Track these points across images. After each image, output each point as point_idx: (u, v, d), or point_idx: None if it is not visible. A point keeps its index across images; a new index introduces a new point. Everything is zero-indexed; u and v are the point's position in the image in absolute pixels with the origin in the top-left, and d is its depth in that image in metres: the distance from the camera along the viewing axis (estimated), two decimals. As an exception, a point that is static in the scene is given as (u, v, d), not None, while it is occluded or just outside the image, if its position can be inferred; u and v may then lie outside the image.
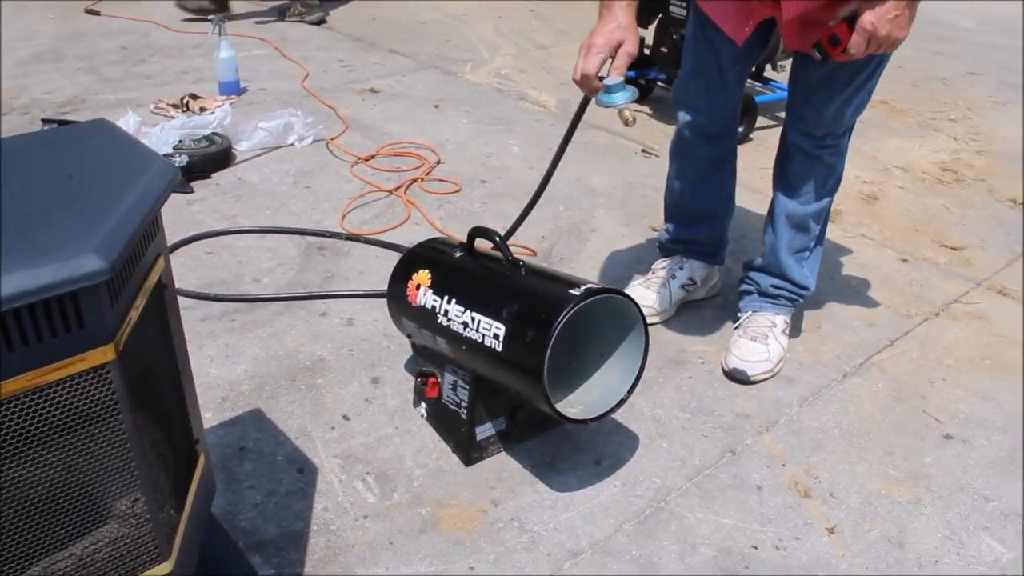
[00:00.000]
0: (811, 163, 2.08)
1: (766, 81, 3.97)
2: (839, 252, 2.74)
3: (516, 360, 1.61)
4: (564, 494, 1.74)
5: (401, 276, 1.87)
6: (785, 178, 2.14)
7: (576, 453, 1.85)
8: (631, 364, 1.72)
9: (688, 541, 1.65)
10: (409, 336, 1.93)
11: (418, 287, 1.80)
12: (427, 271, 1.81)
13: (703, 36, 2.06)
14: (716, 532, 1.68)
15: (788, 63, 3.84)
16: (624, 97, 1.74)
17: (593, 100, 1.80)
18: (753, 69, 3.91)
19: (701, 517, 1.71)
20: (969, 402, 2.08)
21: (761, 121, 3.75)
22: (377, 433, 1.88)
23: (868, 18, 1.64)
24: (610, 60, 1.76)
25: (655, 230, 2.75)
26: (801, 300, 2.24)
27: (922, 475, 1.85)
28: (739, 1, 1.91)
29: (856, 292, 2.52)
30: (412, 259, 1.89)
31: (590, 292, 1.59)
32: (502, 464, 1.81)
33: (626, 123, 1.77)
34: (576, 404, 1.70)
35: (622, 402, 1.70)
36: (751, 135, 3.63)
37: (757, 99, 3.62)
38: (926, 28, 5.52)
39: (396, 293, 1.88)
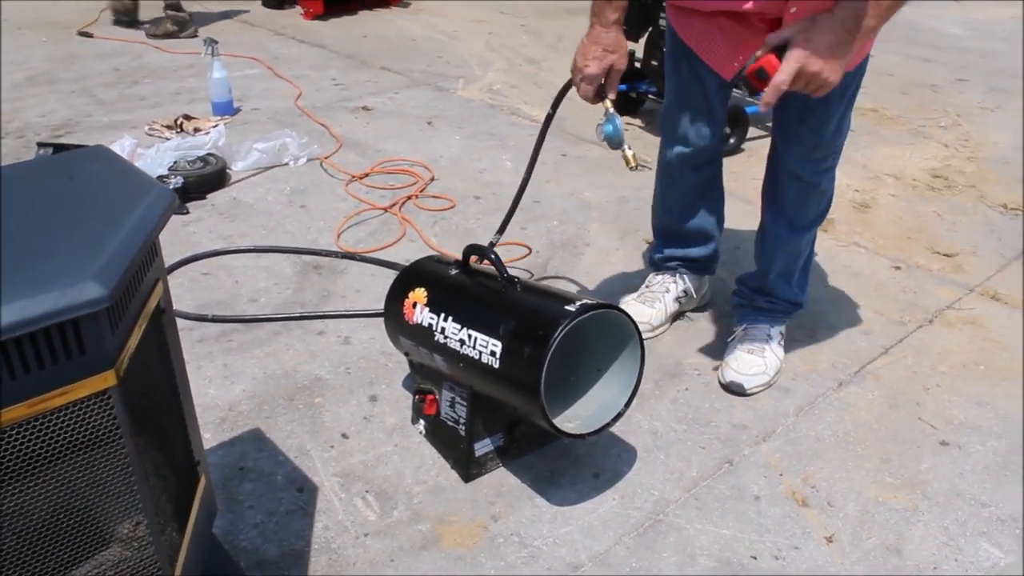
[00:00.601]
0: (808, 191, 2.06)
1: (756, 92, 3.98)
2: (832, 261, 2.76)
3: (513, 377, 1.62)
4: (563, 508, 1.75)
5: (397, 294, 1.88)
6: (779, 207, 2.12)
7: (575, 467, 1.86)
8: (628, 378, 1.74)
9: (687, 552, 1.66)
10: (406, 354, 1.94)
11: (414, 305, 1.81)
12: (423, 289, 1.82)
13: (687, 66, 2.02)
14: (715, 543, 1.69)
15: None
16: (611, 129, 1.83)
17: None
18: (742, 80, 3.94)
19: (700, 528, 1.72)
20: (964, 408, 2.09)
21: (752, 132, 3.77)
22: (376, 451, 1.89)
23: (798, 53, 1.53)
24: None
25: (648, 243, 2.76)
26: (796, 311, 2.25)
27: (919, 482, 1.86)
28: (728, 37, 1.88)
29: (850, 300, 2.53)
30: (408, 277, 1.90)
31: (586, 308, 1.60)
32: (501, 479, 1.82)
33: (628, 163, 1.83)
34: (574, 419, 1.71)
35: (619, 415, 1.72)
36: (742, 146, 3.65)
37: (748, 110, 3.64)
38: (913, 34, 5.57)
39: (393, 311, 1.89)
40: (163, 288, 1.22)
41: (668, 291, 2.34)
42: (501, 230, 2.08)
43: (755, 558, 1.65)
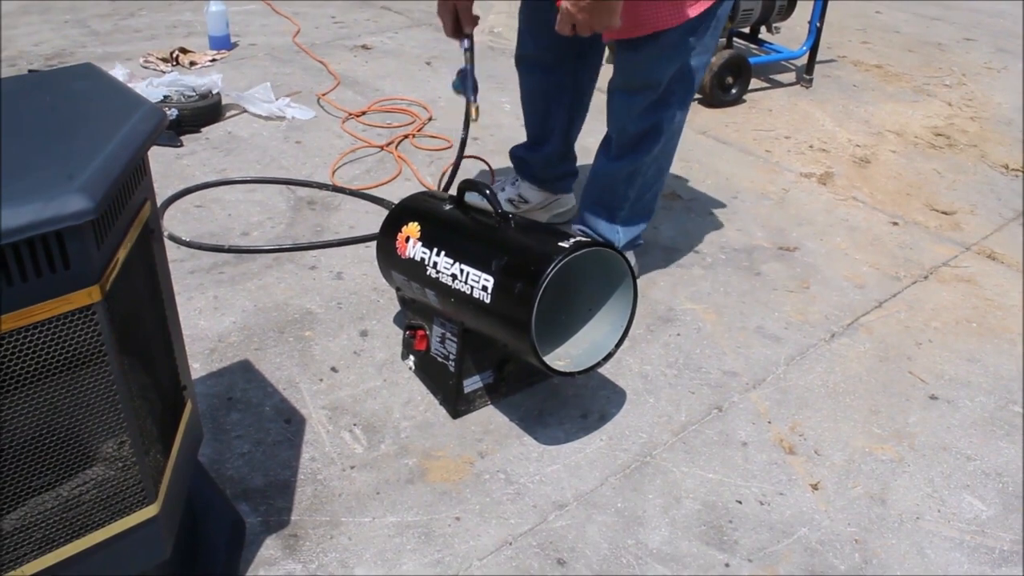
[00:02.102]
0: (623, 119, 2.10)
1: (761, 43, 3.94)
2: (830, 214, 2.74)
3: (504, 313, 1.61)
4: (550, 447, 1.75)
5: (391, 228, 1.86)
6: (608, 128, 2.18)
7: (563, 407, 1.86)
8: (619, 319, 1.73)
9: (673, 495, 1.67)
10: (398, 289, 1.93)
11: (407, 239, 1.80)
12: (417, 223, 1.81)
13: None
14: (701, 486, 1.69)
15: (782, 24, 3.84)
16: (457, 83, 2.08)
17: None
18: (747, 30, 3.90)
19: (686, 472, 1.72)
20: (955, 364, 2.09)
21: (755, 83, 3.73)
22: (365, 385, 1.88)
23: (564, 3, 1.71)
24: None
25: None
26: None
27: (906, 434, 1.86)
28: None
29: (845, 254, 2.52)
30: (402, 211, 1.88)
31: (579, 245, 1.59)
32: (489, 417, 1.82)
33: (470, 116, 2.06)
34: (564, 357, 1.71)
35: (610, 356, 1.71)
36: (744, 96, 3.62)
37: (751, 60, 3.60)
38: (923, -7, 5.50)
39: (385, 245, 1.87)
40: (152, 209, 1.20)
41: (503, 190, 2.50)
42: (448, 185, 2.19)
43: (740, 502, 1.66)
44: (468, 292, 1.65)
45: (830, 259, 2.49)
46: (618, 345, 1.72)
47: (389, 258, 1.86)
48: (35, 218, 0.88)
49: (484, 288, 1.62)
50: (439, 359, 1.81)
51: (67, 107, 1.14)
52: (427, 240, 1.77)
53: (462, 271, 1.66)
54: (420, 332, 1.84)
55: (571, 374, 1.67)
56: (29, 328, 0.95)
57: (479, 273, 1.63)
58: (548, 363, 1.61)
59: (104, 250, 1.00)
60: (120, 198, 1.05)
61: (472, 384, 1.80)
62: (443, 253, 1.72)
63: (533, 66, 2.30)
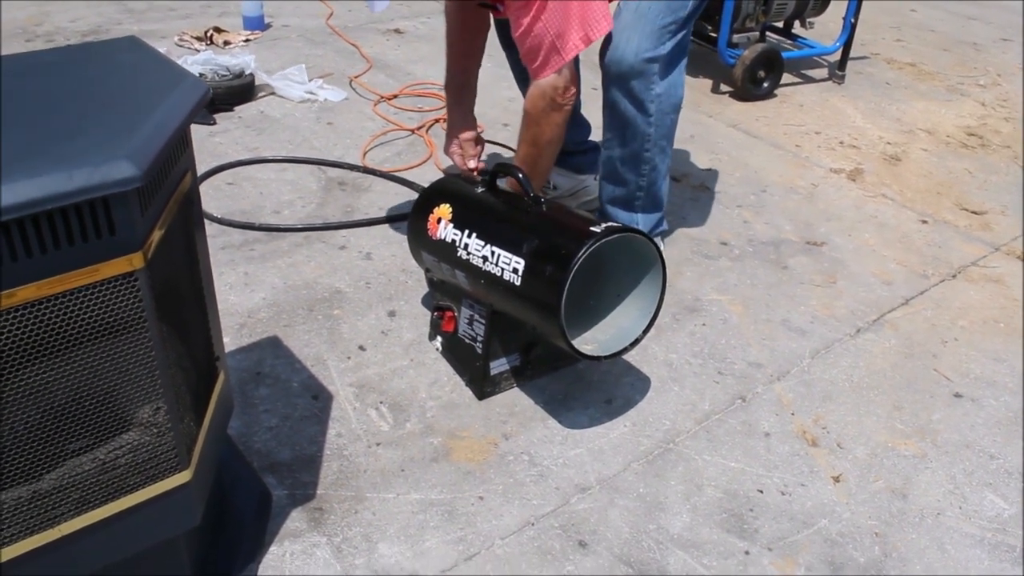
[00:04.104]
0: (611, 104, 2.11)
1: (794, 38, 3.92)
2: (859, 210, 2.73)
3: (534, 295, 1.63)
4: (574, 431, 1.77)
5: (422, 209, 1.88)
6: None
7: (588, 392, 1.87)
8: (647, 305, 1.73)
9: (695, 482, 1.68)
10: (427, 270, 1.95)
11: (439, 221, 1.81)
12: (448, 205, 1.82)
13: None
14: (723, 475, 1.70)
15: (816, 20, 3.82)
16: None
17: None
18: (781, 25, 3.88)
19: (709, 460, 1.73)
20: (980, 363, 2.09)
21: (786, 78, 3.72)
22: (392, 364, 1.90)
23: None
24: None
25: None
26: None
27: (929, 431, 1.86)
28: None
29: (873, 250, 2.52)
30: (434, 193, 1.90)
31: (611, 230, 1.60)
32: (514, 399, 1.83)
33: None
34: (591, 341, 1.72)
35: (636, 342, 1.72)
36: (776, 91, 3.60)
37: (784, 55, 3.58)
38: (959, -9, 5.44)
39: (416, 226, 1.89)
40: (192, 180, 1.22)
41: None
42: None
43: (761, 492, 1.67)
44: (498, 274, 1.66)
45: (858, 255, 2.49)
46: (646, 331, 1.73)
47: (420, 239, 1.88)
48: (84, 183, 0.90)
49: (515, 270, 1.63)
50: (466, 340, 1.83)
51: (114, 77, 1.16)
52: (459, 222, 1.78)
53: (493, 253, 1.68)
54: (448, 313, 1.86)
55: (598, 358, 1.68)
56: (74, 292, 0.97)
57: (510, 255, 1.65)
58: (576, 347, 1.62)
59: (147, 218, 1.02)
60: (165, 167, 1.07)
61: (499, 366, 1.81)
62: (474, 235, 1.73)
63: None
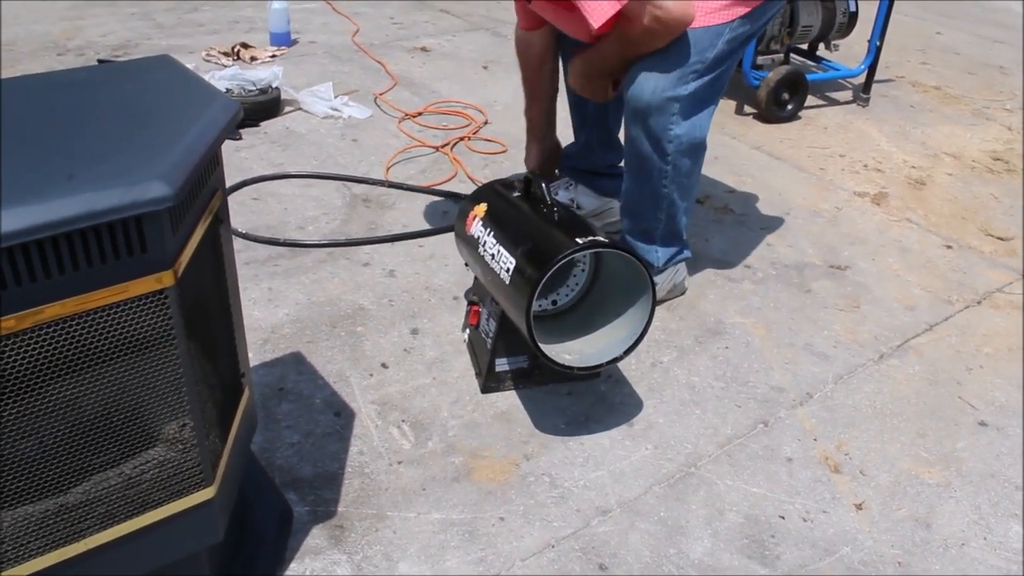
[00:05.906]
0: (631, 137, 2.11)
1: (819, 60, 3.92)
2: (883, 235, 2.72)
3: (514, 294, 1.67)
4: (596, 453, 1.76)
5: (469, 205, 1.95)
6: None
7: (609, 414, 1.87)
8: (637, 327, 1.75)
9: (716, 507, 1.67)
10: (466, 264, 2.01)
11: (475, 217, 1.89)
12: (485, 204, 1.89)
13: None
14: (744, 500, 1.69)
15: (841, 42, 3.82)
16: None
17: None
18: (806, 47, 3.88)
19: (730, 485, 1.72)
20: (1006, 391, 2.07)
21: (810, 100, 3.71)
22: (415, 382, 1.91)
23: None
24: None
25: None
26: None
27: (954, 459, 1.85)
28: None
29: (897, 275, 2.50)
30: (481, 192, 1.98)
31: (594, 244, 1.64)
32: (536, 420, 1.83)
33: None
34: (575, 352, 1.76)
35: (615, 360, 1.75)
36: (800, 113, 3.60)
37: (809, 77, 3.58)
38: (985, 14, 5.43)
39: (461, 220, 1.96)
40: (222, 198, 1.23)
41: (557, 193, 2.50)
42: None
43: (783, 518, 1.66)
44: (498, 272, 1.73)
45: (881, 279, 2.47)
46: (626, 352, 1.75)
47: (460, 232, 1.95)
48: (118, 202, 0.91)
49: (507, 269, 1.69)
50: (483, 335, 1.90)
51: (146, 96, 1.18)
52: (486, 220, 1.85)
53: (499, 252, 1.74)
54: (475, 308, 1.94)
55: (571, 368, 1.71)
56: (105, 308, 0.98)
57: (508, 255, 1.71)
58: (546, 351, 1.67)
59: (178, 236, 1.03)
60: (196, 187, 1.08)
61: (502, 364, 1.86)
62: (492, 233, 1.80)
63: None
